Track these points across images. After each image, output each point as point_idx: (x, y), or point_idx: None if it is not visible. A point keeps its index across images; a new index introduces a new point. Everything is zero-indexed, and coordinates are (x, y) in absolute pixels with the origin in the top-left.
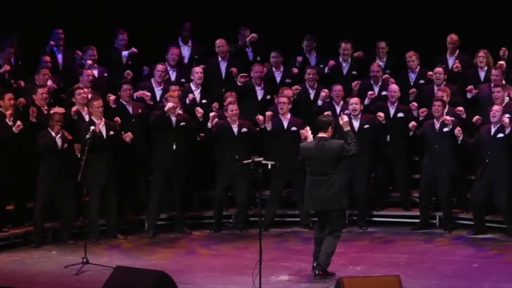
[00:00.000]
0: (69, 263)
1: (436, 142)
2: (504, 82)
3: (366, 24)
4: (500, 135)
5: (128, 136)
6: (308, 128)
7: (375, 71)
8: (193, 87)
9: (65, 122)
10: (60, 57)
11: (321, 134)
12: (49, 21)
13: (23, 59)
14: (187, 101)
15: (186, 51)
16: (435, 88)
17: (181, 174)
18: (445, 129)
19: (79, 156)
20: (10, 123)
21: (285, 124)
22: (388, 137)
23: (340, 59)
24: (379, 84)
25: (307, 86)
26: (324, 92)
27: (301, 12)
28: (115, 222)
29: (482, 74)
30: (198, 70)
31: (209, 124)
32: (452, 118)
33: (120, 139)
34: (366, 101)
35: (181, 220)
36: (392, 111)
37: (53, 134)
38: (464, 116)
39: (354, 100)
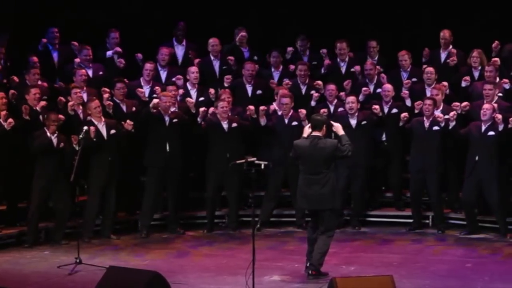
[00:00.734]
0: (62, 263)
1: (424, 139)
2: (498, 79)
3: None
4: (491, 133)
5: (129, 125)
6: (309, 125)
7: (369, 69)
8: (189, 86)
9: (63, 121)
10: (55, 55)
11: (315, 133)
12: (42, 20)
13: (12, 59)
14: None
15: (180, 51)
16: (426, 87)
17: (175, 173)
18: (435, 128)
19: (76, 148)
20: (3, 123)
21: (286, 120)
22: (384, 135)
23: (338, 59)
24: (374, 82)
25: (299, 82)
26: (316, 93)
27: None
28: (111, 223)
29: (476, 74)
30: (194, 70)
31: (199, 119)
32: (446, 116)
33: (123, 135)
34: (361, 98)
35: (174, 220)
36: (386, 109)
37: (49, 134)
38: (459, 110)
39: (351, 99)
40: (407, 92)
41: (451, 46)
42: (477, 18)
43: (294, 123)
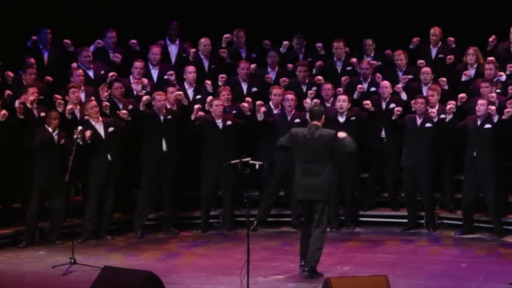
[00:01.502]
0: (57, 263)
1: (416, 136)
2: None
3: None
4: (487, 125)
5: (124, 114)
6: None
7: (365, 68)
8: (186, 86)
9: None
10: (46, 55)
11: (313, 122)
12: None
13: (4, 59)
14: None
15: (173, 50)
16: (423, 86)
17: (171, 172)
18: (427, 124)
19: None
20: None
21: (289, 117)
22: (383, 132)
23: (334, 59)
24: (368, 81)
25: (299, 82)
26: (311, 91)
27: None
28: (107, 223)
29: (472, 72)
30: (191, 70)
31: (193, 116)
32: (443, 116)
33: (122, 130)
34: (356, 95)
35: (169, 220)
36: (384, 105)
37: (50, 130)
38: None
39: (342, 97)
40: (400, 86)
41: (440, 43)
42: (472, 15)
43: (297, 120)
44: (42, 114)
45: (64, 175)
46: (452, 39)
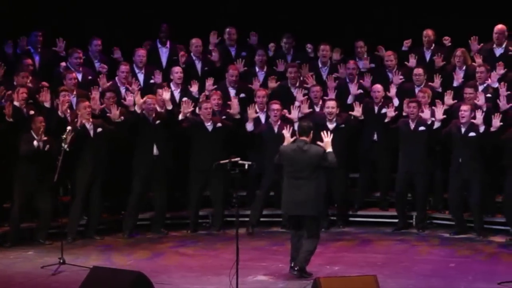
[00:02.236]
0: (46, 263)
1: (410, 141)
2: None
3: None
4: (472, 134)
5: (115, 114)
6: (288, 131)
7: (351, 68)
8: (173, 87)
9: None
10: (37, 59)
11: (302, 138)
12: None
13: None
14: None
15: (164, 53)
16: (416, 88)
17: (162, 174)
18: (421, 128)
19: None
20: None
21: (276, 129)
22: (375, 135)
23: (319, 63)
24: (355, 82)
25: (289, 85)
26: (301, 96)
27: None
28: (95, 223)
29: (460, 74)
30: (177, 70)
31: (180, 116)
32: (435, 122)
33: (110, 132)
34: (350, 99)
35: (158, 220)
36: (376, 109)
37: (35, 137)
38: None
39: (331, 103)
40: (393, 92)
41: (434, 45)
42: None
43: (284, 144)
44: (31, 112)
45: (50, 176)
46: (448, 38)
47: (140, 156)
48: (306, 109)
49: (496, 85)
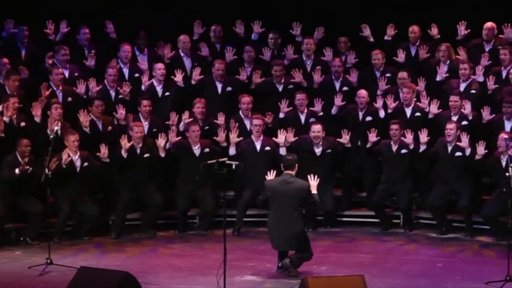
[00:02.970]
0: (33, 264)
1: (393, 163)
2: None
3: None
4: (458, 153)
5: (104, 154)
6: (273, 174)
7: (337, 65)
8: (155, 82)
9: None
10: (23, 52)
11: (287, 172)
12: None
13: None
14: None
15: (143, 60)
16: (400, 92)
17: (148, 190)
18: (403, 151)
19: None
20: None
21: (258, 147)
22: (359, 143)
23: (304, 56)
24: (340, 79)
25: (275, 81)
26: (285, 107)
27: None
28: (88, 227)
29: (444, 68)
30: (160, 67)
31: (168, 145)
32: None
33: (96, 168)
34: (334, 110)
35: (146, 220)
36: (360, 115)
37: (20, 160)
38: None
39: (317, 128)
40: (380, 103)
41: (419, 41)
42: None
43: (267, 148)
44: (23, 124)
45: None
46: (435, 26)
47: (125, 181)
48: (291, 138)
49: (481, 79)
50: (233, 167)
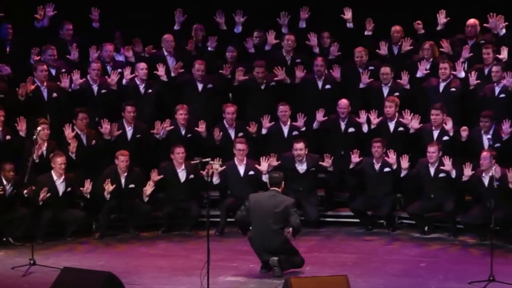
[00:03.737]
0: (16, 264)
1: (376, 182)
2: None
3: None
4: (442, 175)
5: (86, 192)
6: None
7: (319, 65)
8: (137, 81)
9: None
10: (8, 48)
11: (273, 189)
12: None
13: None
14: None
15: (119, 59)
16: (383, 86)
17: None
18: (386, 169)
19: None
20: None
21: (241, 171)
22: (342, 152)
23: (283, 52)
24: (322, 78)
25: (258, 82)
26: (267, 123)
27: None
28: (74, 229)
29: (428, 66)
30: (142, 66)
31: (161, 136)
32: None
33: (78, 196)
34: (315, 125)
35: (130, 221)
36: (343, 126)
37: (4, 181)
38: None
39: (299, 145)
40: (363, 118)
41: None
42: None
43: (251, 173)
44: (8, 137)
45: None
46: (420, 23)
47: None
48: (274, 162)
49: (462, 75)
50: (217, 167)
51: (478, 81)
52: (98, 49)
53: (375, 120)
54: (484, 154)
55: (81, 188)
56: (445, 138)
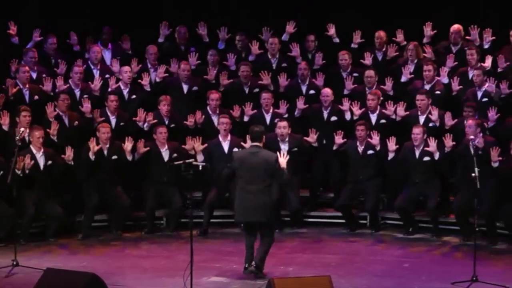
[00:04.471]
0: None
1: (360, 164)
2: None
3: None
4: (426, 158)
5: (69, 157)
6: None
7: (303, 69)
8: (122, 86)
9: None
10: None
11: (255, 144)
12: None
13: None
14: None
15: (107, 55)
16: (367, 90)
17: (115, 179)
18: (370, 152)
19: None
20: None
21: (226, 148)
22: (324, 141)
23: (269, 55)
24: (306, 83)
25: (242, 83)
26: (250, 110)
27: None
28: (55, 226)
29: (411, 67)
30: (126, 70)
31: (136, 155)
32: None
33: (60, 167)
34: (297, 113)
35: (113, 222)
36: (325, 115)
37: None
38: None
39: (283, 124)
40: (346, 106)
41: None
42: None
43: (235, 149)
44: None
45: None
46: (401, 32)
47: (90, 185)
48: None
49: (446, 80)
50: (200, 168)
51: (461, 86)
52: (86, 49)
53: (357, 111)
54: (470, 122)
55: (63, 156)
56: (431, 124)
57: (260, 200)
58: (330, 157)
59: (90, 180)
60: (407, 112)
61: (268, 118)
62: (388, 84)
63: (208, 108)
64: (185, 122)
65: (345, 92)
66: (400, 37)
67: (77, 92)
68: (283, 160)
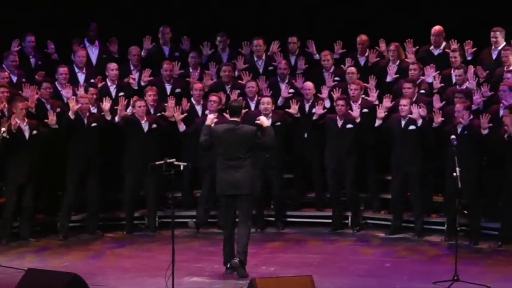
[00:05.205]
0: None
1: (338, 138)
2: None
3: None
4: (412, 127)
5: (52, 120)
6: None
7: (282, 68)
8: (108, 83)
9: None
10: None
11: (233, 119)
12: None
13: None
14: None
15: (93, 52)
16: (349, 87)
17: (95, 174)
18: (349, 126)
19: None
20: None
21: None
22: (306, 134)
23: (255, 57)
24: (286, 81)
25: (223, 82)
26: (234, 94)
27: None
28: (29, 224)
29: (394, 68)
30: (113, 67)
31: (117, 118)
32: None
33: (45, 135)
34: (280, 101)
35: (93, 221)
36: (307, 108)
37: None
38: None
39: (266, 100)
40: (325, 93)
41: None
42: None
43: (208, 115)
44: None
45: None
46: (383, 41)
47: (73, 158)
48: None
49: (430, 80)
50: (181, 168)
51: (442, 84)
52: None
53: (319, 111)
54: (458, 106)
55: (46, 120)
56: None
57: (242, 174)
58: (311, 155)
59: (72, 149)
60: (393, 103)
61: (253, 105)
62: (371, 82)
63: (192, 99)
64: (164, 113)
65: (325, 91)
66: (382, 46)
67: (64, 93)
68: (264, 118)
